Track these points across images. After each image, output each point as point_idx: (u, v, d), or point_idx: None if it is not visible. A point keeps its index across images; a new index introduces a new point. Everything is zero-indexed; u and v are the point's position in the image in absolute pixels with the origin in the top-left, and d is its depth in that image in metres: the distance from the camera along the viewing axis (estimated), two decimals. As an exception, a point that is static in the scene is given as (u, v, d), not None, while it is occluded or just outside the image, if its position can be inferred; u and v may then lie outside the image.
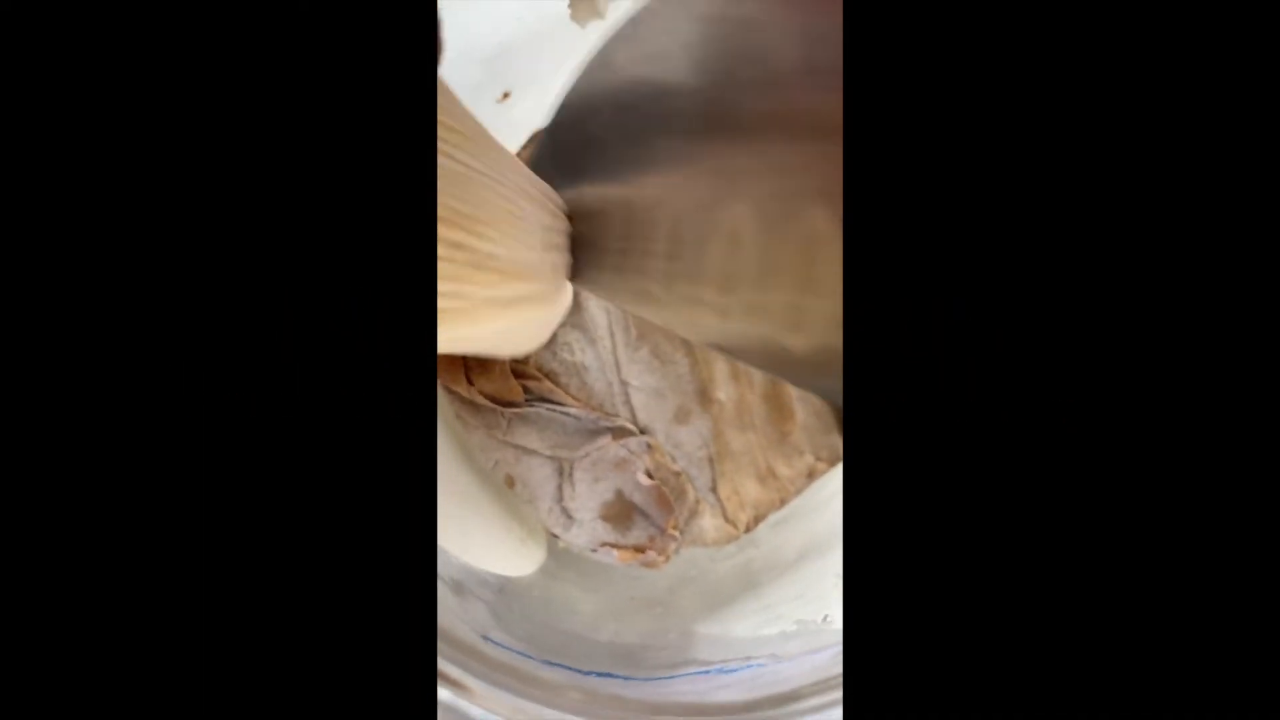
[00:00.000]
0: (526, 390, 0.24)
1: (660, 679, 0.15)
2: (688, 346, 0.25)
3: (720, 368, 0.25)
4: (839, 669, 0.14)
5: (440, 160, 0.14)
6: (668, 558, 0.23)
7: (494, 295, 0.16)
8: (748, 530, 0.25)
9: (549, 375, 0.24)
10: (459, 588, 0.20)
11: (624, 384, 0.25)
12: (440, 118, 0.14)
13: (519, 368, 0.24)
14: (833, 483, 0.24)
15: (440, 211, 0.13)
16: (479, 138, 0.15)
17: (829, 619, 0.16)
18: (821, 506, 0.24)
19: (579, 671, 0.16)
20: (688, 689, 0.15)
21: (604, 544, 0.23)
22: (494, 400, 0.23)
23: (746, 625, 0.19)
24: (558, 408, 0.23)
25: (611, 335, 0.25)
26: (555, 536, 0.23)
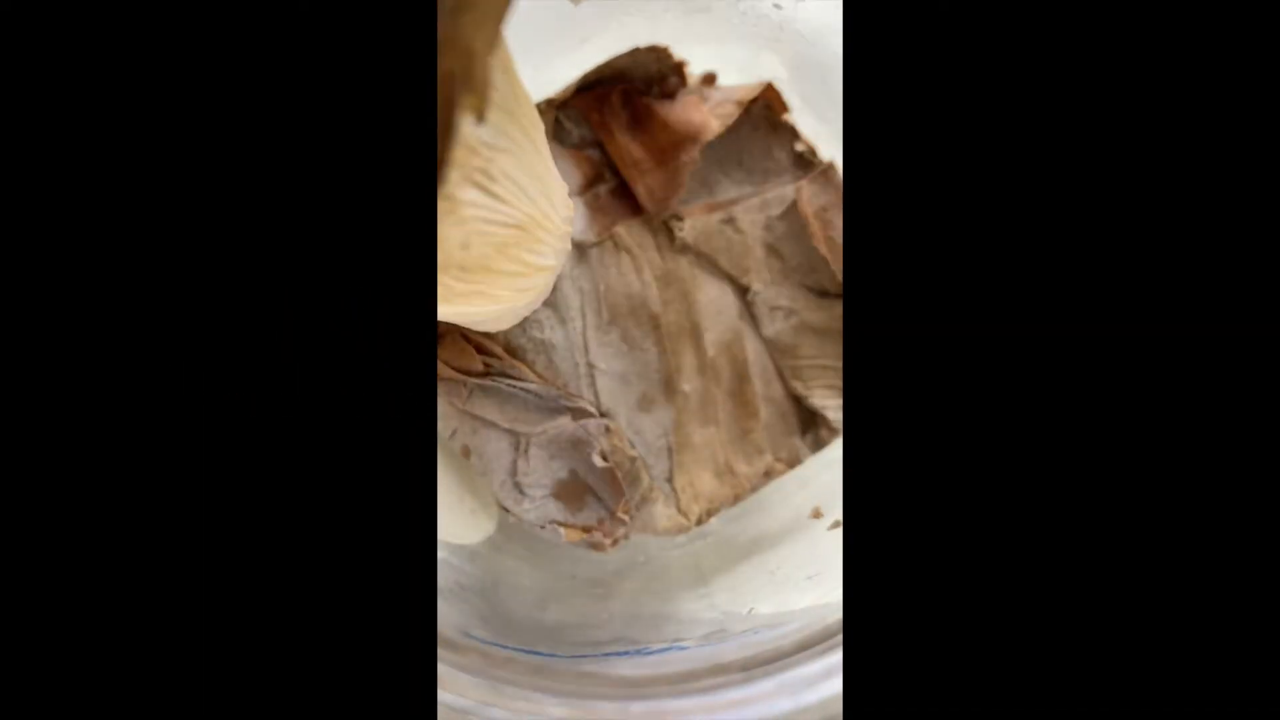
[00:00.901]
0: (487, 365, 0.24)
1: (579, 656, 0.15)
2: (658, 334, 0.25)
3: (689, 359, 0.25)
4: (742, 654, 0.14)
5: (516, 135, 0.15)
6: (615, 541, 0.23)
7: (540, 262, 0.17)
8: (699, 523, 0.25)
9: (517, 351, 0.24)
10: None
11: (590, 366, 0.25)
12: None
13: (482, 342, 0.24)
14: (788, 482, 0.24)
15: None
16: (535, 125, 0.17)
17: (752, 611, 0.16)
18: (776, 504, 0.24)
19: (495, 644, 0.16)
20: (600, 666, 0.15)
21: (553, 522, 0.23)
22: (453, 368, 0.23)
23: (685, 611, 0.19)
24: (518, 383, 0.23)
25: (583, 315, 0.25)
26: (506, 510, 0.23)
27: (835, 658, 0.13)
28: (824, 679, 0.13)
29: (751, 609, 0.16)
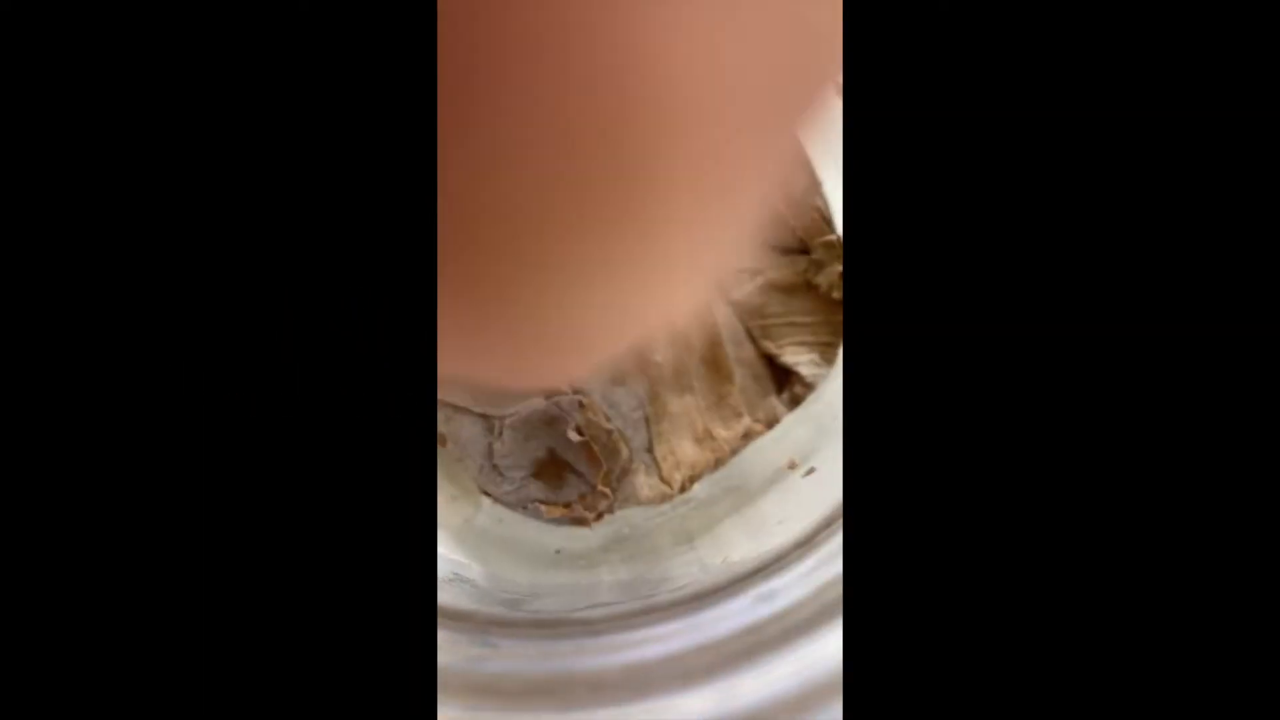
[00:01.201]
0: (458, 349, 0.24)
1: (553, 623, 0.16)
2: (624, 308, 0.25)
3: (659, 330, 0.25)
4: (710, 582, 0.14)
5: None
6: (599, 515, 0.23)
7: None
8: (683, 490, 0.25)
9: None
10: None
11: (559, 345, 0.25)
12: None
13: (450, 327, 0.24)
14: (764, 440, 0.24)
15: None
16: None
17: (726, 560, 0.16)
18: (754, 462, 0.24)
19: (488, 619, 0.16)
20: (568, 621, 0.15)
21: (535, 501, 0.23)
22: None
23: (669, 570, 0.19)
24: (488, 366, 0.24)
25: (546, 296, 0.25)
26: (486, 494, 0.24)
27: (788, 576, 0.13)
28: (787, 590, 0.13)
29: (725, 558, 0.16)
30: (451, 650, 0.14)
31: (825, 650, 0.13)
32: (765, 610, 0.13)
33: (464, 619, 0.15)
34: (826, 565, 0.14)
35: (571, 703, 0.13)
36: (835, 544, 0.15)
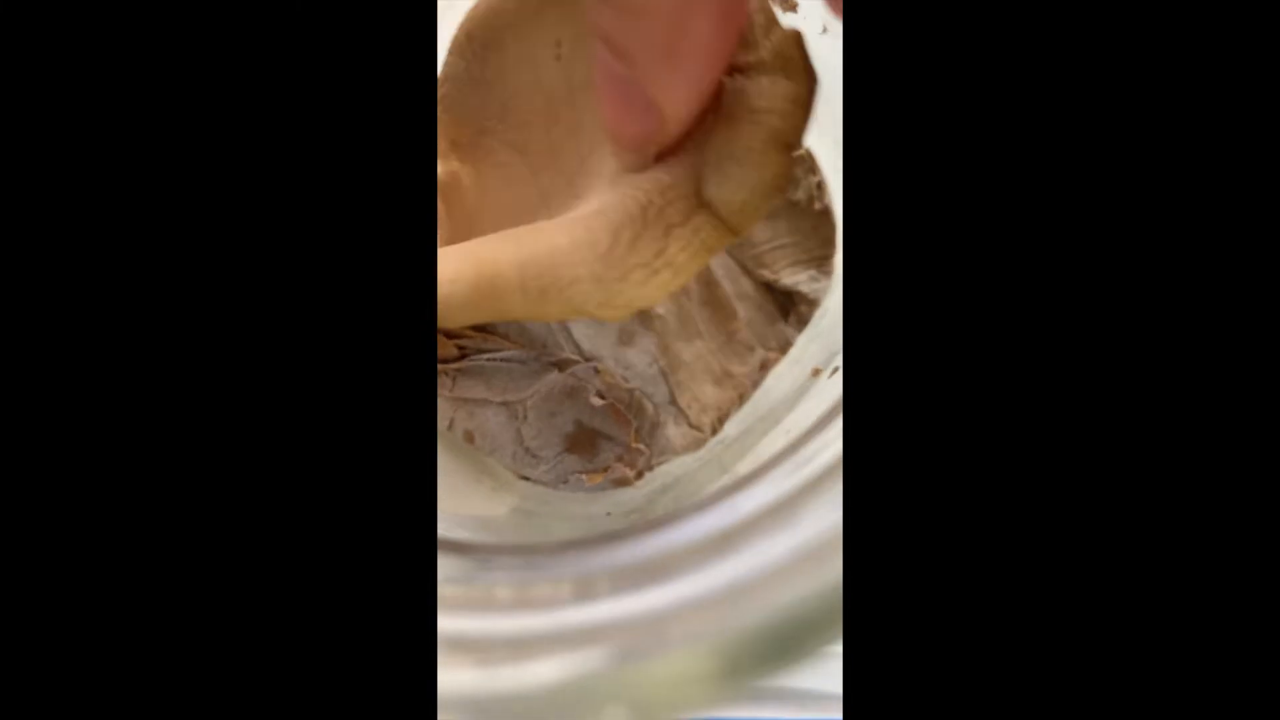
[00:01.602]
0: (461, 349, 0.24)
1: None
2: (615, 270, 0.25)
3: (653, 285, 0.25)
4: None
5: None
6: (639, 473, 0.23)
7: None
8: (714, 432, 0.25)
9: (485, 327, 0.24)
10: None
11: (562, 321, 0.25)
12: None
13: (449, 329, 0.24)
14: (782, 364, 0.25)
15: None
16: None
17: (759, 458, 0.16)
18: (775, 386, 0.24)
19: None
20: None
21: (574, 473, 0.23)
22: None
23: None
24: (497, 355, 0.24)
25: (538, 276, 0.25)
26: (524, 479, 0.24)
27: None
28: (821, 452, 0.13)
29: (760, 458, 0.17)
30: (449, 568, 0.14)
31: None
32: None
33: (466, 548, 0.15)
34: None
35: (559, 605, 0.13)
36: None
